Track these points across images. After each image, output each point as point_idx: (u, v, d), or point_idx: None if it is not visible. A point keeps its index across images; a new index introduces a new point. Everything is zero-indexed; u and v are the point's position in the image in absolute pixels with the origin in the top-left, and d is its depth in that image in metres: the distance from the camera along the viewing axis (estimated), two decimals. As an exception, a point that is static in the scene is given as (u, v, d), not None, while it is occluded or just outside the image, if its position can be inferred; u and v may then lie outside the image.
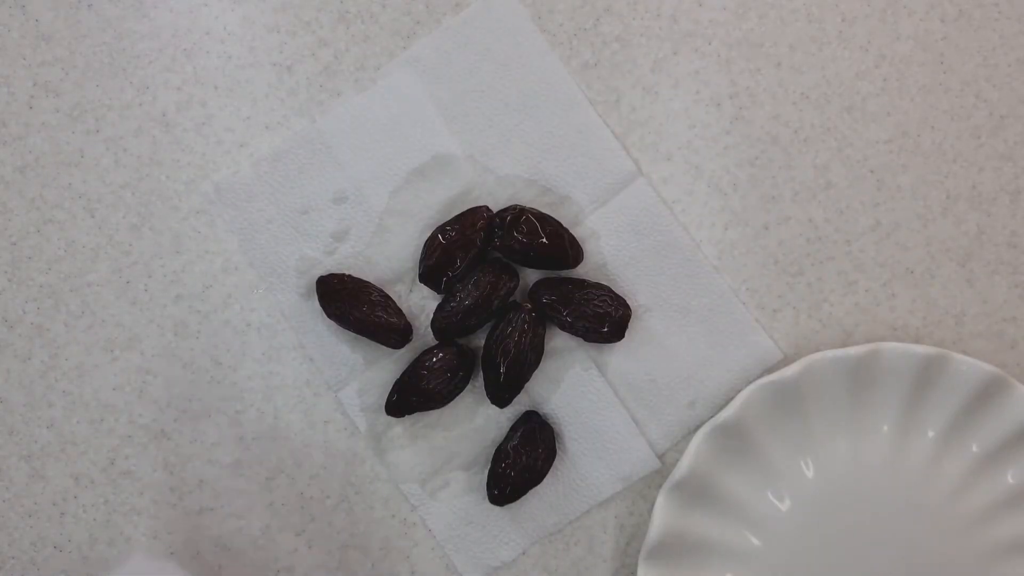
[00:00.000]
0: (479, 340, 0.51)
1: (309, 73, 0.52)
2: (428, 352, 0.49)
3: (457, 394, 0.50)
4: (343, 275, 0.50)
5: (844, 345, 0.51)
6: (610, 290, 0.50)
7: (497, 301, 0.49)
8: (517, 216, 0.49)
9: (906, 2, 0.52)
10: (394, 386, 0.50)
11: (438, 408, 0.50)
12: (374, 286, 0.50)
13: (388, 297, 0.50)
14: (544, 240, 0.48)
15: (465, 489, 0.51)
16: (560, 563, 0.51)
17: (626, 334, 0.50)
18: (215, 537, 0.51)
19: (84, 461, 0.51)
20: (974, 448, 0.50)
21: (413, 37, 0.52)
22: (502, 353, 0.48)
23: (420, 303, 0.51)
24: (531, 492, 0.50)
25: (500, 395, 0.49)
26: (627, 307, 0.49)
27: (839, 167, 0.52)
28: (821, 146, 0.52)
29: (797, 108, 0.52)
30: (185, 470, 0.51)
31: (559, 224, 0.50)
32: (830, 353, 0.49)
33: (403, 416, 0.50)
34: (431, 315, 0.50)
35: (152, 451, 0.51)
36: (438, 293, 0.50)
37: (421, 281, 0.50)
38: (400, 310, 0.50)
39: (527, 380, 0.50)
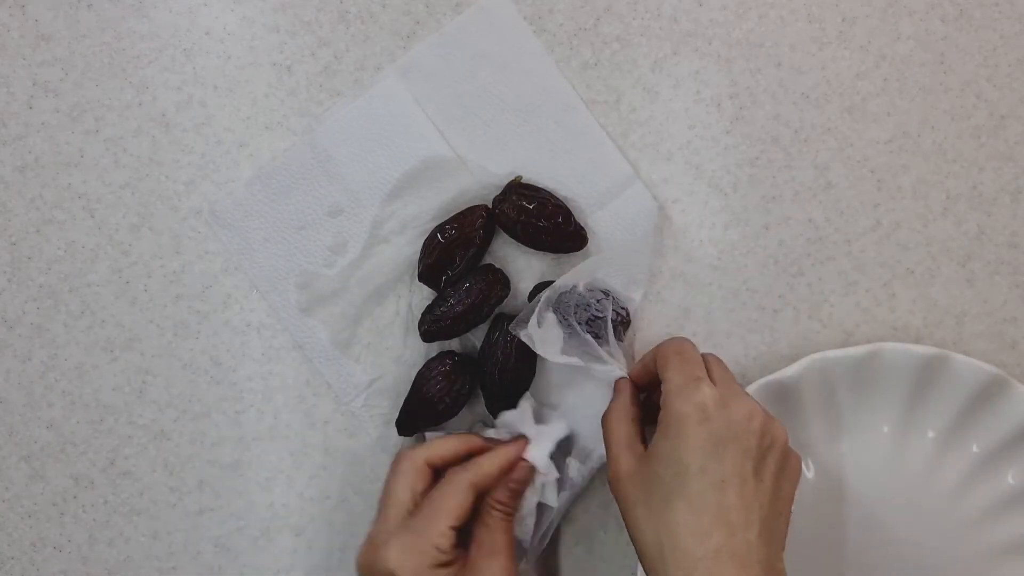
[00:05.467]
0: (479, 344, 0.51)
1: (309, 73, 0.52)
2: (427, 367, 0.50)
3: (463, 403, 0.50)
4: None
5: (844, 345, 0.51)
6: (608, 293, 0.50)
7: (487, 308, 0.49)
8: (516, 181, 0.49)
9: (906, 2, 0.52)
10: (403, 407, 0.50)
11: (447, 420, 0.50)
12: None
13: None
14: (545, 202, 0.49)
15: None
16: (560, 563, 0.51)
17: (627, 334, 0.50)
18: (215, 537, 0.51)
19: (84, 461, 0.51)
20: (974, 448, 0.50)
21: (413, 37, 0.52)
22: (493, 362, 0.48)
23: (421, 303, 0.51)
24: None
25: (494, 403, 0.49)
26: (626, 310, 0.49)
27: (839, 167, 0.52)
28: (821, 146, 0.52)
29: (797, 108, 0.52)
30: (185, 470, 0.51)
31: (559, 201, 0.50)
32: (830, 353, 0.49)
33: (413, 435, 0.50)
34: None
35: (152, 451, 0.51)
36: (437, 291, 0.50)
37: (420, 280, 0.50)
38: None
39: (526, 388, 0.50)
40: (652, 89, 0.52)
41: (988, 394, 0.49)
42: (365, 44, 0.52)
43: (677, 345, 0.44)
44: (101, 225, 0.52)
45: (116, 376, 0.51)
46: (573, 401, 0.51)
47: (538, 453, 0.46)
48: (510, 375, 0.49)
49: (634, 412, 0.45)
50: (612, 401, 0.46)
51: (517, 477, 0.46)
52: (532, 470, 0.46)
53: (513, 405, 0.49)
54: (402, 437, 0.51)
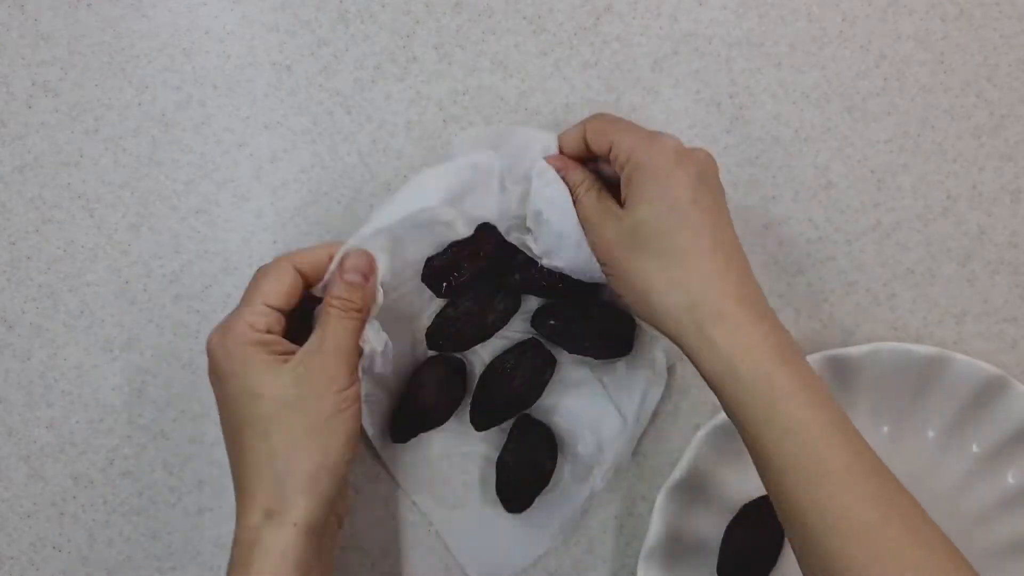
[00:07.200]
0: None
1: (309, 73, 0.52)
2: (419, 369, 0.50)
3: (455, 408, 0.50)
4: None
5: (844, 345, 0.51)
6: (612, 304, 0.49)
7: (492, 316, 0.48)
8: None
9: (906, 1, 0.52)
10: (394, 414, 0.50)
11: (439, 425, 0.50)
12: None
13: None
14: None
15: (481, 501, 0.51)
16: (560, 563, 0.51)
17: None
18: (215, 537, 0.51)
19: (83, 461, 0.51)
20: (974, 448, 0.50)
21: (413, 37, 0.52)
22: (500, 385, 0.49)
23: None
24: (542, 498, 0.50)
25: (481, 420, 0.49)
26: (631, 319, 0.49)
27: (839, 167, 0.52)
28: (821, 146, 0.52)
29: (797, 108, 0.52)
30: (184, 470, 0.51)
31: None
32: (830, 353, 0.49)
33: (407, 441, 0.50)
34: None
35: (152, 451, 0.51)
36: (437, 296, 0.50)
37: (422, 280, 0.49)
38: None
39: (513, 416, 0.50)
40: (652, 89, 0.52)
41: (988, 394, 0.49)
42: (365, 44, 0.52)
43: (609, 116, 0.45)
44: (100, 225, 0.52)
45: (116, 376, 0.51)
46: (577, 411, 0.51)
47: (368, 239, 0.44)
48: (512, 403, 0.49)
49: (593, 181, 0.45)
50: (567, 176, 0.45)
51: (348, 265, 0.43)
52: (366, 257, 0.43)
53: (498, 424, 0.50)
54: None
